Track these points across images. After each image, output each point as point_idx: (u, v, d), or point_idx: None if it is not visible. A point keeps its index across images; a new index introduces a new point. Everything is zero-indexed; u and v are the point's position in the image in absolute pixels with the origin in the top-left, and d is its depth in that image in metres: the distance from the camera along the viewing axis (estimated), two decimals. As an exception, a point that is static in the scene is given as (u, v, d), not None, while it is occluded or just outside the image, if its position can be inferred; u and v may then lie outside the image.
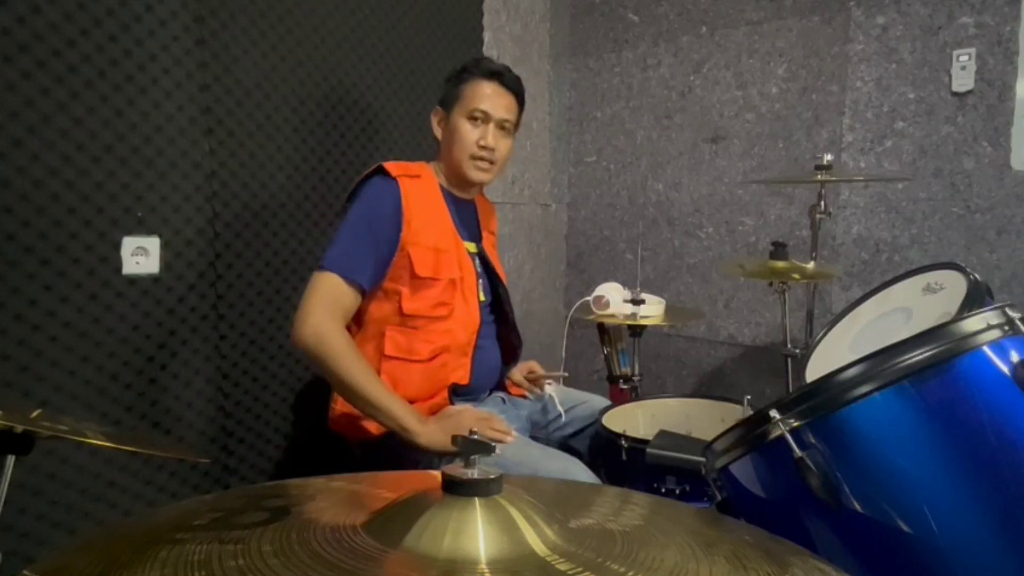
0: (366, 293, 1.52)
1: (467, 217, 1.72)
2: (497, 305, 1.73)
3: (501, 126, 1.63)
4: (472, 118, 1.61)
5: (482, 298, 1.67)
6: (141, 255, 1.57)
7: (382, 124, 2.11)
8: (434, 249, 1.56)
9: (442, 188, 1.66)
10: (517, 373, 1.82)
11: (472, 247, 1.69)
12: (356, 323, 1.58)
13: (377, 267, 1.52)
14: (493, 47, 2.64)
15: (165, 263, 1.61)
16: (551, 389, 1.79)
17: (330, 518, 0.62)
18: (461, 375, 1.59)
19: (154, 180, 1.58)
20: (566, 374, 1.91)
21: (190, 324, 1.67)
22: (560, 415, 1.76)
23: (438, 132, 1.68)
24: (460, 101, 1.62)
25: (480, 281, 1.68)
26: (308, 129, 1.90)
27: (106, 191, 1.51)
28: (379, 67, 2.08)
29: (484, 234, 1.77)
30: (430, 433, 1.42)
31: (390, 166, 1.56)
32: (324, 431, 1.65)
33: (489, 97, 1.61)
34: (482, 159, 1.62)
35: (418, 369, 1.55)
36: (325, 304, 1.44)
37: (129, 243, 1.55)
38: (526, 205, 2.93)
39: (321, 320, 1.42)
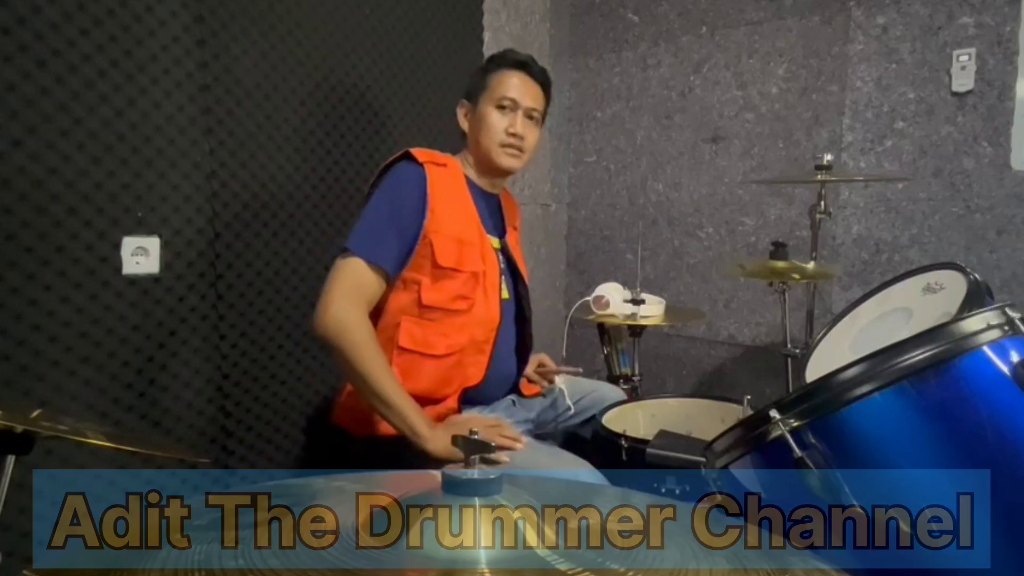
0: (390, 279, 1.49)
1: (492, 211, 1.70)
2: (518, 304, 1.71)
3: (529, 115, 1.63)
4: (500, 106, 1.61)
5: (505, 295, 1.65)
6: (141, 255, 1.57)
7: (382, 124, 2.11)
8: (457, 240, 1.53)
9: (468, 180, 1.65)
10: (528, 368, 1.81)
11: (496, 242, 1.67)
12: (374, 312, 1.54)
13: (401, 253, 1.49)
14: (493, 47, 2.63)
15: (165, 263, 1.61)
16: (560, 381, 1.80)
17: (331, 518, 0.62)
18: (475, 373, 1.57)
19: (154, 180, 1.58)
20: (580, 370, 1.91)
21: (190, 324, 1.67)
22: (569, 407, 1.76)
23: (464, 124, 1.68)
24: (487, 91, 1.62)
25: (503, 277, 1.66)
26: (308, 129, 1.90)
27: (106, 191, 1.51)
28: (379, 67, 2.08)
29: (508, 229, 1.74)
30: (437, 439, 1.41)
31: (417, 152, 1.55)
32: (325, 430, 1.65)
33: (517, 86, 1.61)
34: (511, 146, 1.61)
35: (432, 365, 1.53)
36: (349, 291, 1.42)
37: (129, 243, 1.55)
38: (526, 205, 2.93)
39: (343, 308, 1.40)
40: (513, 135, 1.60)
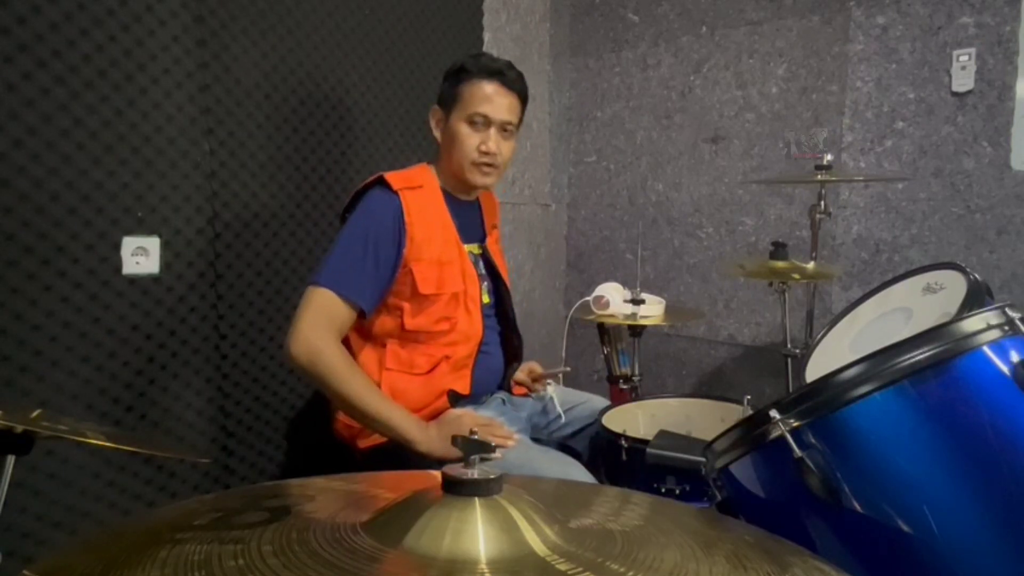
0: (366, 315, 1.47)
1: (471, 218, 1.68)
2: (500, 306, 1.71)
3: (503, 128, 1.56)
4: (472, 122, 1.53)
5: (485, 300, 1.65)
6: (141, 255, 1.56)
7: (382, 124, 2.11)
8: (437, 262, 1.51)
9: (444, 192, 1.61)
10: (519, 373, 1.81)
11: (476, 248, 1.66)
12: (359, 334, 1.56)
13: (378, 289, 1.47)
14: (493, 47, 2.64)
15: (165, 263, 1.61)
16: (552, 390, 1.79)
17: (330, 518, 0.62)
18: (462, 385, 1.57)
19: (154, 180, 1.58)
20: (567, 369, 1.89)
21: (190, 324, 1.67)
22: (560, 415, 1.75)
23: (437, 133, 1.61)
24: (459, 103, 1.55)
25: (484, 284, 1.65)
26: (308, 129, 1.90)
27: (106, 191, 1.51)
28: (379, 67, 2.08)
29: (489, 230, 1.73)
30: (430, 440, 1.41)
31: (391, 178, 1.51)
32: (324, 431, 1.65)
33: (489, 99, 1.53)
34: (484, 163, 1.55)
35: (419, 381, 1.53)
36: (319, 320, 1.40)
37: (129, 243, 1.54)
38: (526, 205, 2.93)
39: (314, 336, 1.38)
40: (486, 153, 1.54)
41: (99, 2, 1.47)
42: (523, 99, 1.61)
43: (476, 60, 1.57)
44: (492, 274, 1.70)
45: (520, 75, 1.59)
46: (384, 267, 1.47)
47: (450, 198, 1.62)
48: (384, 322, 1.54)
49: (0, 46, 1.35)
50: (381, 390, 1.47)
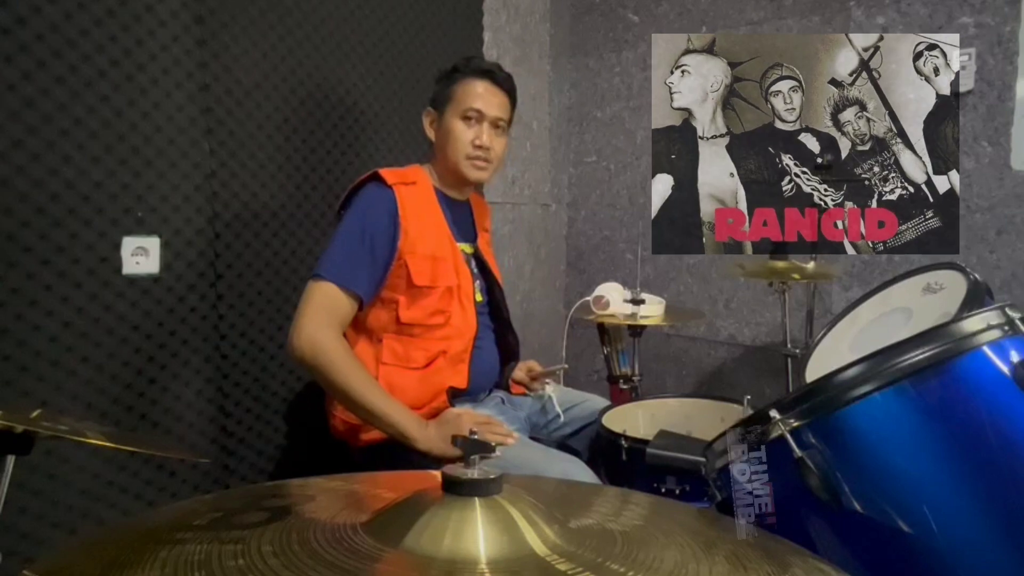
0: (364, 304, 1.50)
1: (462, 218, 1.71)
2: (493, 305, 1.73)
3: (495, 124, 1.61)
4: (466, 118, 1.59)
5: (479, 298, 1.67)
6: (141, 255, 1.57)
7: (382, 124, 2.11)
8: (431, 257, 1.54)
9: (437, 191, 1.65)
10: (518, 372, 1.82)
11: (468, 248, 1.68)
12: (355, 329, 1.57)
13: (374, 279, 1.50)
14: (493, 47, 2.64)
15: (165, 263, 1.61)
16: (551, 389, 1.79)
17: (330, 518, 0.62)
18: (459, 380, 1.58)
19: (154, 180, 1.58)
20: (566, 366, 1.90)
21: (190, 324, 1.67)
22: (559, 415, 1.76)
23: (430, 133, 1.67)
24: (452, 101, 1.61)
25: (477, 282, 1.67)
26: (308, 129, 1.90)
27: (106, 191, 1.51)
28: (379, 67, 2.08)
29: (480, 232, 1.76)
30: (429, 439, 1.42)
31: (386, 173, 1.55)
32: (324, 432, 1.65)
33: (482, 96, 1.59)
34: (478, 158, 1.60)
35: (415, 376, 1.54)
36: (321, 313, 1.43)
37: (129, 243, 1.54)
38: (526, 205, 2.93)
39: (317, 330, 1.41)
40: (479, 147, 1.59)
41: (99, 2, 1.47)
42: (513, 98, 1.67)
43: (467, 61, 1.65)
44: (485, 274, 1.72)
45: (509, 76, 1.66)
46: (380, 258, 1.50)
47: (443, 197, 1.66)
48: (379, 315, 1.55)
49: (0, 46, 1.35)
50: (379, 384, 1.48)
